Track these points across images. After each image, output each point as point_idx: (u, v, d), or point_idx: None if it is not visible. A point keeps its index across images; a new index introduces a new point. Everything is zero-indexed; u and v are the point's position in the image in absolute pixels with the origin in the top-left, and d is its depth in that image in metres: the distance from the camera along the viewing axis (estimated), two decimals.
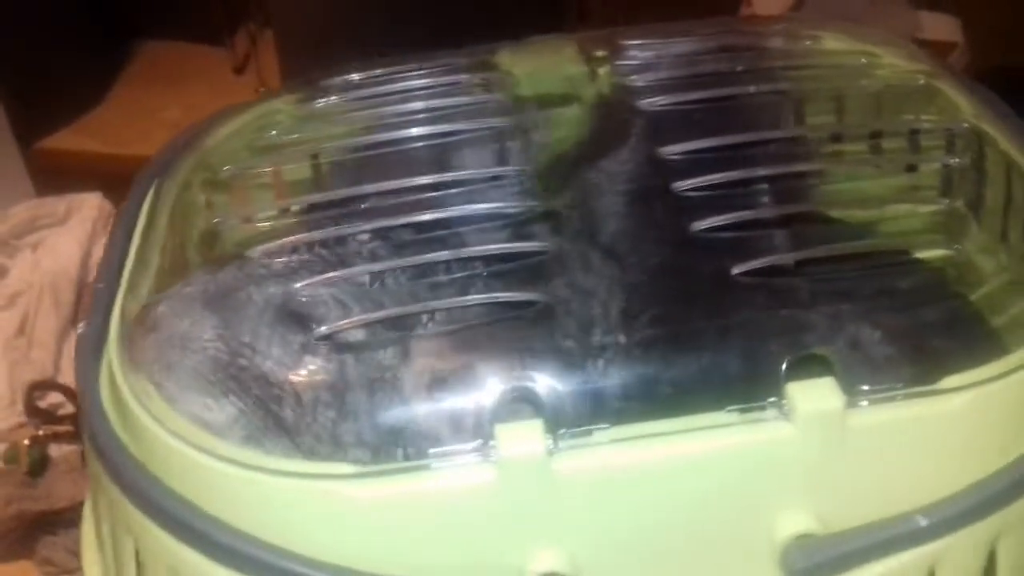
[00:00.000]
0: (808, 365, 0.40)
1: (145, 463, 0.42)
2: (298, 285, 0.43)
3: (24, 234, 1.03)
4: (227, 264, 0.45)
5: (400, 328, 0.42)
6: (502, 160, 0.49)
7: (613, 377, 0.40)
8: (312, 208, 0.48)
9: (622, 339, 0.41)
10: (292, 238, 0.46)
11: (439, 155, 0.50)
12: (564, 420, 0.39)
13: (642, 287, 0.42)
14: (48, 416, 0.95)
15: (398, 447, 0.40)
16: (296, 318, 0.42)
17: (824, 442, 0.39)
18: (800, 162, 0.47)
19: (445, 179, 0.47)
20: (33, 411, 0.94)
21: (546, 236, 0.44)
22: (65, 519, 0.88)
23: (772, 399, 0.39)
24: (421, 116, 0.51)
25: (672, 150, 0.47)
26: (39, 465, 0.91)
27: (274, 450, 0.41)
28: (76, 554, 0.86)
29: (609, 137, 0.49)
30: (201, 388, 0.42)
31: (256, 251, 0.45)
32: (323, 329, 0.42)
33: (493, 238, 0.44)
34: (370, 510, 0.39)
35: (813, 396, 0.39)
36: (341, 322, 0.42)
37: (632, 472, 0.39)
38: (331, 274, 0.44)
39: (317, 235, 0.46)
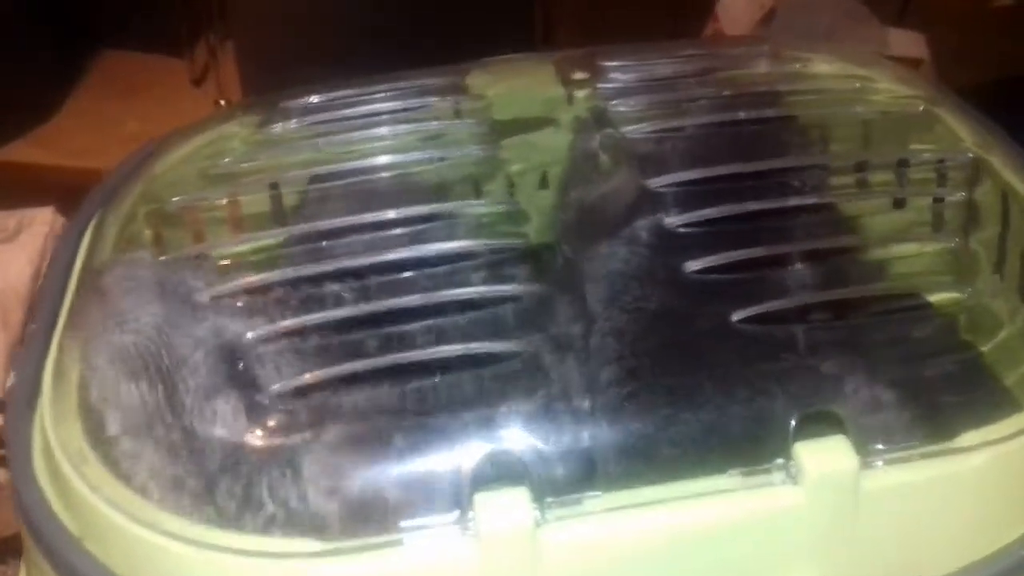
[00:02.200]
0: (816, 423, 0.36)
1: (84, 539, 0.37)
2: (251, 335, 0.39)
3: None
4: (177, 300, 0.40)
5: (365, 383, 0.38)
6: (476, 192, 0.45)
7: (604, 437, 0.36)
8: (271, 245, 0.44)
9: (613, 394, 0.37)
10: (246, 279, 0.41)
11: (409, 186, 0.46)
12: (551, 486, 0.36)
13: (634, 335, 0.38)
14: None
15: (366, 520, 0.35)
16: (247, 371, 0.38)
17: (836, 507, 0.36)
18: (798, 196, 0.44)
19: (413, 214, 0.43)
20: None
21: (526, 279, 0.40)
22: (12, 548, 0.82)
23: (779, 460, 0.36)
24: (389, 143, 0.47)
25: (661, 182, 0.43)
26: None
27: (215, 520, 0.36)
28: None
29: (594, 167, 0.45)
30: (138, 449, 0.37)
31: (206, 293, 0.41)
32: (276, 387, 0.38)
33: (467, 280, 0.40)
34: None
35: (824, 457, 0.36)
36: (297, 378, 0.38)
37: (627, 545, 0.35)
38: (287, 322, 0.39)
39: (274, 276, 0.41)
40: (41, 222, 1.00)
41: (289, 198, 0.47)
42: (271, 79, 0.81)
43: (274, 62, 1.04)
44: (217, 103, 1.27)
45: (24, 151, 1.26)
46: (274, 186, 0.47)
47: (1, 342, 0.93)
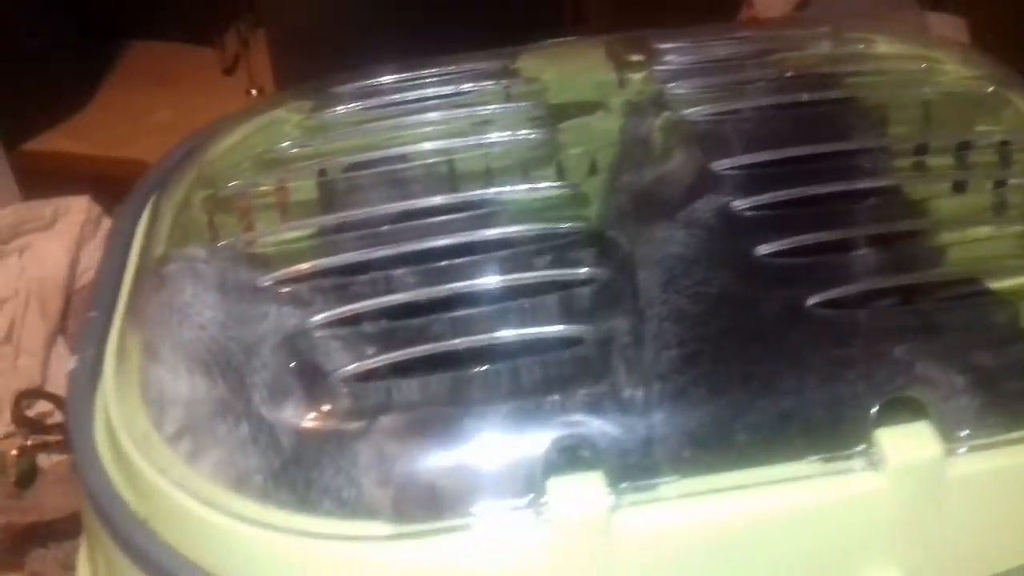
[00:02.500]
0: (898, 409, 0.36)
1: (149, 520, 0.37)
2: (314, 321, 0.38)
3: (9, 239, 0.99)
4: (237, 288, 0.40)
5: (432, 368, 0.37)
6: (537, 176, 0.45)
7: (679, 423, 0.36)
8: (328, 230, 0.43)
9: (688, 379, 0.36)
10: (306, 265, 0.41)
11: (463, 171, 0.45)
12: (624, 472, 0.35)
13: (707, 319, 0.37)
14: (36, 425, 0.90)
15: (436, 504, 0.35)
16: (312, 357, 0.38)
17: (918, 494, 0.35)
18: (864, 178, 0.43)
19: (470, 198, 0.42)
20: (21, 420, 0.89)
21: (594, 262, 0.40)
22: (56, 531, 0.83)
23: (860, 447, 0.35)
24: (444, 127, 0.47)
25: (724, 164, 0.42)
26: (28, 476, 0.86)
27: (285, 504, 0.36)
28: (67, 567, 0.82)
29: (649, 150, 0.44)
30: (206, 426, 0.37)
31: (268, 278, 0.40)
32: (342, 371, 0.37)
33: (529, 265, 0.40)
34: (409, 575, 0.34)
35: (907, 443, 0.35)
36: (364, 363, 0.37)
37: (703, 531, 0.35)
38: (350, 307, 0.39)
39: (334, 261, 0.41)
40: (77, 210, 1.01)
41: (343, 183, 0.46)
42: (302, 68, 0.81)
43: (305, 50, 1.04)
44: (248, 92, 1.28)
45: (57, 141, 1.27)
46: (328, 171, 0.46)
47: (40, 329, 0.94)
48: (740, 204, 0.41)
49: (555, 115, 0.48)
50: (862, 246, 0.41)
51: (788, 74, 0.49)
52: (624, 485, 0.35)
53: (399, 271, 0.40)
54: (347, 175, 0.45)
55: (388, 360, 0.37)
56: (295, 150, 0.47)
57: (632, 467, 0.35)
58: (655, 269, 0.39)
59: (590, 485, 0.34)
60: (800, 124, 0.46)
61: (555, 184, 0.43)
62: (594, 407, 0.36)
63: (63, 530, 0.83)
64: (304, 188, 0.47)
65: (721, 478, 0.35)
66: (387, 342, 0.38)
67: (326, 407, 0.36)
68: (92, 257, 0.98)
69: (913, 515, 0.35)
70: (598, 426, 0.35)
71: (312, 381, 0.37)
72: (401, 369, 0.37)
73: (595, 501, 0.34)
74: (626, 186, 0.45)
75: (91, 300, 0.45)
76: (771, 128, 0.45)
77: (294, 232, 0.44)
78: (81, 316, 0.94)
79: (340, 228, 0.43)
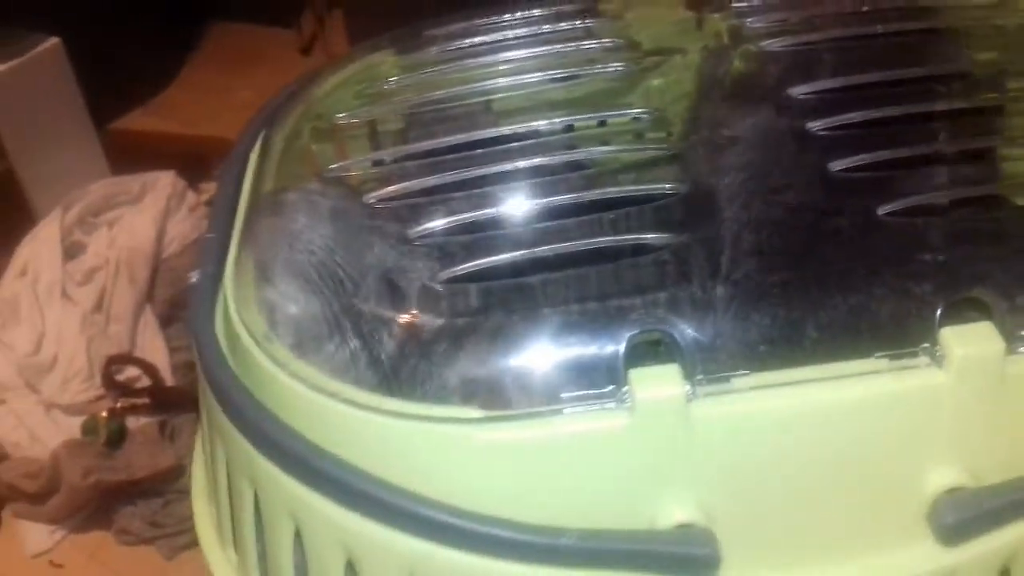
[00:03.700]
0: (963, 310, 0.38)
1: (265, 406, 0.41)
2: (418, 228, 0.42)
3: (100, 212, 1.04)
4: (346, 204, 0.44)
5: (527, 271, 0.40)
6: (621, 104, 0.47)
7: (752, 320, 0.38)
8: (427, 154, 0.47)
9: (762, 280, 0.39)
10: (409, 183, 0.45)
11: (559, 100, 0.48)
12: (701, 365, 0.38)
13: (782, 227, 0.40)
14: (125, 389, 0.96)
15: (527, 392, 0.38)
16: (417, 262, 0.41)
17: (979, 390, 0.37)
18: (940, 101, 0.44)
19: (564, 123, 0.45)
20: (111, 384, 0.95)
21: (675, 178, 0.42)
22: (143, 489, 0.88)
23: (925, 345, 0.37)
24: (533, 61, 0.50)
25: (803, 90, 0.44)
26: (117, 437, 0.92)
27: (389, 391, 0.39)
28: (154, 524, 0.87)
29: (734, 78, 0.47)
30: (314, 314, 0.40)
31: (373, 195, 0.44)
32: (444, 273, 0.41)
33: (616, 181, 0.43)
34: (499, 455, 0.38)
35: (970, 341, 0.37)
36: (464, 264, 0.40)
37: (773, 421, 0.37)
38: (451, 219, 0.42)
39: (435, 180, 0.44)
40: (163, 185, 1.06)
41: (439, 114, 0.49)
42: None
43: (381, 29, 1.07)
44: None
45: (141, 120, 1.33)
46: (424, 104, 0.49)
47: (129, 298, 1.00)
48: (816, 124, 0.43)
49: (637, 52, 0.51)
50: (937, 163, 0.43)
51: (863, 7, 0.50)
52: (700, 377, 0.37)
53: (495, 188, 0.43)
54: (441, 107, 0.48)
55: (484, 265, 0.40)
56: (394, 86, 0.51)
57: (708, 362, 0.38)
58: (733, 183, 0.41)
59: (669, 375, 0.37)
60: (876, 52, 0.47)
61: (639, 110, 0.46)
62: (674, 306, 0.38)
63: (150, 489, 0.87)
64: (403, 119, 0.50)
65: (791, 373, 0.37)
66: (486, 249, 0.41)
67: (428, 304, 0.40)
68: (178, 228, 1.03)
69: (974, 410, 0.37)
70: (678, 323, 0.38)
71: (415, 285, 0.40)
72: (499, 272, 0.40)
73: (673, 390, 0.37)
74: (706, 110, 0.47)
75: (209, 223, 0.49)
76: (847, 57, 0.47)
77: (394, 157, 0.47)
78: (172, 277, 0.99)
79: (438, 153, 0.46)
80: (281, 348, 0.41)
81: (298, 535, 0.40)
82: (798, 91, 0.44)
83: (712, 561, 0.37)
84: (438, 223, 0.42)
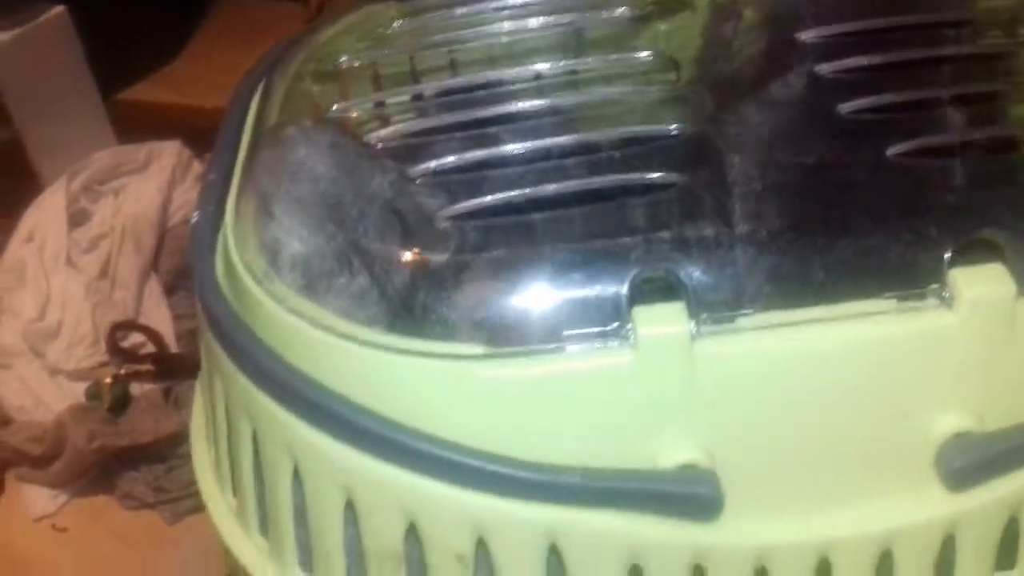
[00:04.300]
0: (973, 252, 0.37)
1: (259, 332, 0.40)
2: (420, 166, 0.42)
3: (106, 180, 1.05)
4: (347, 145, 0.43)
5: (529, 210, 0.40)
6: (630, 48, 0.47)
7: (757, 259, 0.38)
8: (429, 96, 0.47)
9: (768, 220, 0.38)
10: (411, 123, 0.44)
11: (562, 44, 0.47)
12: (706, 305, 0.37)
13: (790, 167, 0.39)
14: (130, 355, 0.96)
15: (529, 329, 0.38)
16: (418, 200, 0.41)
17: (989, 333, 0.36)
18: (949, 45, 0.44)
19: (570, 65, 0.45)
20: (115, 350, 0.95)
21: (682, 119, 0.42)
22: (146, 455, 0.89)
23: (934, 286, 0.36)
24: (539, 6, 0.49)
25: (811, 34, 0.44)
26: (121, 402, 0.92)
27: (390, 328, 0.39)
28: (157, 489, 0.87)
29: (740, 22, 0.46)
30: (317, 246, 0.40)
31: (375, 135, 0.44)
32: (445, 211, 0.40)
33: (624, 120, 0.42)
34: (500, 391, 0.37)
35: (979, 282, 0.36)
36: (468, 201, 0.40)
37: (778, 361, 0.37)
38: (454, 157, 0.42)
39: (436, 121, 0.44)
40: (169, 154, 1.06)
41: (442, 56, 0.49)
42: None
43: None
44: None
45: (148, 91, 1.31)
46: (429, 47, 0.49)
47: (134, 265, 1.00)
48: (825, 67, 0.42)
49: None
50: (947, 105, 0.42)
51: None
52: (704, 316, 0.37)
53: (498, 128, 0.43)
54: (445, 50, 0.48)
55: (486, 204, 0.40)
56: (397, 30, 0.50)
57: (713, 300, 0.37)
58: (741, 124, 0.41)
59: (673, 313, 0.37)
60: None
61: (644, 52, 0.45)
62: (680, 245, 0.38)
63: (153, 454, 0.88)
64: (405, 62, 0.50)
65: (797, 313, 0.37)
66: (488, 187, 0.41)
67: (429, 241, 0.39)
68: (183, 198, 1.02)
69: (983, 353, 0.37)
70: (683, 261, 0.38)
71: (418, 222, 0.40)
72: (502, 210, 0.40)
73: (677, 327, 0.36)
74: (714, 53, 0.46)
75: (210, 164, 0.49)
76: (855, 3, 0.46)
77: (397, 99, 0.47)
78: (177, 246, 0.99)
79: (441, 95, 0.46)
80: (281, 285, 0.41)
81: (297, 475, 0.40)
82: (807, 35, 0.44)
83: (715, 502, 0.37)
84: (441, 161, 0.41)
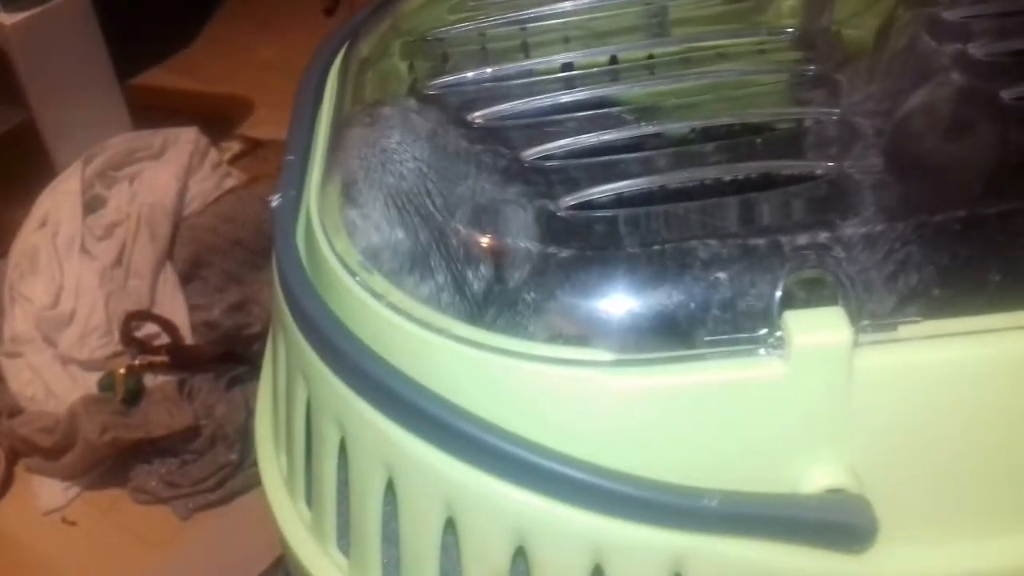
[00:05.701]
0: None
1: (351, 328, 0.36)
2: (533, 150, 0.37)
3: (122, 166, 1.01)
4: (443, 126, 0.39)
5: (663, 201, 0.36)
6: (756, 25, 0.43)
7: (925, 261, 0.34)
8: (538, 73, 0.42)
9: (937, 216, 0.34)
10: (518, 103, 0.40)
11: (680, 19, 0.43)
12: (866, 310, 0.33)
13: (957, 158, 0.35)
14: (144, 346, 0.92)
15: (666, 334, 0.34)
16: (532, 185, 0.37)
17: None
18: None
19: (690, 41, 0.41)
20: (129, 341, 0.91)
21: (828, 103, 0.38)
22: (160, 448, 0.85)
23: None
24: None
25: (959, 14, 0.40)
26: (134, 394, 0.88)
27: (506, 329, 0.35)
28: (170, 484, 0.83)
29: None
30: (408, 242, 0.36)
31: (479, 114, 0.40)
32: (568, 200, 0.36)
33: (761, 103, 0.38)
34: (629, 403, 0.33)
35: None
36: (592, 189, 0.36)
37: (945, 374, 0.33)
38: (572, 139, 0.38)
39: (547, 101, 0.40)
40: (185, 141, 1.02)
41: (538, 31, 0.45)
42: None
43: None
44: None
45: (164, 77, 1.30)
46: (533, 19, 0.45)
47: (149, 254, 0.96)
48: (979, 50, 0.38)
49: None
50: None
51: None
52: (865, 323, 0.33)
53: (614, 110, 0.39)
54: (552, 22, 0.44)
55: (618, 190, 0.36)
56: (481, 3, 0.46)
57: (874, 307, 0.33)
58: (897, 110, 0.37)
59: (831, 319, 0.33)
60: None
61: (776, 29, 0.41)
62: (838, 243, 0.34)
63: (167, 448, 0.85)
64: (499, 36, 0.45)
65: (968, 322, 0.33)
66: (614, 176, 0.36)
67: (551, 237, 0.35)
68: (200, 187, 0.99)
69: None
70: (840, 261, 0.34)
71: (533, 213, 0.36)
72: (634, 200, 0.36)
73: (837, 336, 0.32)
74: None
75: (287, 146, 0.44)
76: None
77: (500, 75, 0.42)
78: (193, 235, 0.95)
79: (540, 72, 0.42)
80: (379, 278, 0.36)
81: (390, 487, 0.36)
82: (955, 14, 0.40)
83: (867, 532, 0.33)
84: (558, 143, 0.37)
